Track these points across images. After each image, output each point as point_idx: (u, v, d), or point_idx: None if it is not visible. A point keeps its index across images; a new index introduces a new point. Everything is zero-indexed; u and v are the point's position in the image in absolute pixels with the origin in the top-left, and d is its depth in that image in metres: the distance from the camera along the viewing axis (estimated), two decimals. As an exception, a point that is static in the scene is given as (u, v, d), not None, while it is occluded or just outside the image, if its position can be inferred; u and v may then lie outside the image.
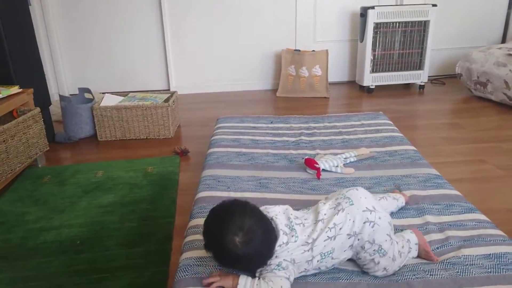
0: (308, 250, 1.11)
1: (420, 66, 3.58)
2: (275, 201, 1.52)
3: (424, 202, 1.45)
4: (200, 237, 1.27)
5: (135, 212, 1.85)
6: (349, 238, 1.13)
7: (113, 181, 2.14)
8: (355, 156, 1.84)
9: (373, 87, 3.60)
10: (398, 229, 1.28)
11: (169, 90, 3.75)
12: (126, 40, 3.64)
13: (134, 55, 3.69)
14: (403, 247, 1.17)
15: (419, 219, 1.36)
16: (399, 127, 2.23)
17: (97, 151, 2.62)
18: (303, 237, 1.12)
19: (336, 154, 1.85)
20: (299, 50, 3.60)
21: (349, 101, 3.47)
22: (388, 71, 3.58)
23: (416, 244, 1.19)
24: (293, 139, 2.08)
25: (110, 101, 2.80)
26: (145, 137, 2.76)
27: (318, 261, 1.13)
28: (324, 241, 1.12)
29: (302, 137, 2.08)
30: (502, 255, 1.14)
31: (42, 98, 2.58)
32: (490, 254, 1.15)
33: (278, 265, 1.10)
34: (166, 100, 2.82)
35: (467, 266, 1.11)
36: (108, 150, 2.61)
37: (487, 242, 1.20)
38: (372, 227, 1.12)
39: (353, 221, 1.12)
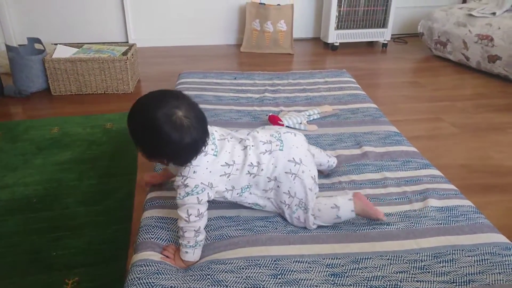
0: (226, 176, 1.09)
1: (384, 24, 3.59)
2: (239, 157, 1.51)
3: (383, 159, 1.49)
4: (162, 194, 1.26)
5: (95, 169, 1.79)
6: (268, 182, 1.14)
7: (70, 137, 2.05)
8: (318, 113, 1.84)
9: (338, 44, 3.58)
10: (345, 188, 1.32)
11: (127, 42, 3.57)
12: (79, -13, 3.38)
13: (88, 3, 3.43)
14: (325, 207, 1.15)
15: (378, 174, 1.40)
16: (361, 85, 2.26)
17: (51, 106, 2.48)
18: (224, 155, 1.09)
19: (299, 111, 1.85)
20: (264, 4, 3.49)
21: (313, 58, 3.45)
22: (353, 28, 3.56)
23: (352, 211, 1.15)
24: (257, 95, 2.05)
25: (63, 52, 2.63)
26: (103, 92, 2.63)
27: (237, 194, 1.14)
28: (245, 174, 1.11)
29: (266, 94, 2.06)
30: (453, 208, 1.21)
31: (-13, 48, 2.38)
32: (442, 207, 1.21)
33: (194, 189, 1.05)
34: (125, 53, 2.68)
35: (420, 218, 1.17)
36: (63, 105, 2.48)
37: (440, 195, 1.26)
38: (294, 179, 1.13)
39: (275, 167, 1.13)
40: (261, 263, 1.02)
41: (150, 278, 0.98)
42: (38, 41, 2.70)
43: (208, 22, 3.67)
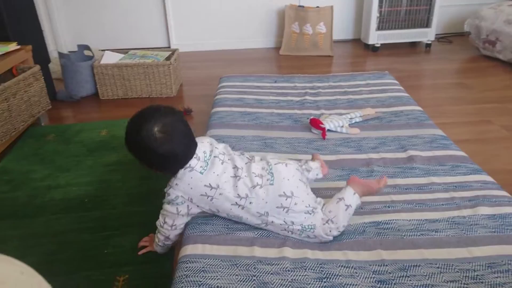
0: (208, 198, 1.12)
1: (427, 24, 3.48)
2: (281, 161, 1.52)
3: (430, 163, 1.45)
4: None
5: (141, 170, 1.85)
6: (259, 216, 1.13)
7: (118, 140, 2.14)
8: (360, 116, 1.83)
9: (379, 45, 3.52)
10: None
11: (169, 47, 3.67)
12: (125, -5, 3.52)
13: (133, 11, 3.57)
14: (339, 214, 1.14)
15: (424, 179, 1.37)
16: (404, 87, 2.21)
17: (99, 110, 2.60)
18: (211, 176, 1.11)
19: (341, 114, 1.84)
20: (303, 6, 3.49)
21: (353, 60, 3.40)
22: (394, 28, 3.48)
23: (354, 194, 1.17)
24: (297, 98, 2.06)
25: (110, 58, 2.74)
26: (148, 96, 2.73)
27: (226, 216, 1.17)
28: (231, 204, 1.12)
29: (307, 97, 2.06)
30: (507, 216, 1.16)
31: (41, 56, 2.53)
32: (494, 215, 1.17)
33: (174, 199, 1.13)
34: (168, 58, 2.76)
35: (471, 226, 1.13)
36: (110, 109, 2.59)
37: (492, 202, 1.22)
38: (286, 212, 1.12)
39: (266, 202, 1.12)
40: (306, 266, 1.02)
41: (197, 276, 1.01)
42: (87, 48, 2.84)
43: (248, 26, 3.71)
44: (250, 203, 1.11)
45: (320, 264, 1.03)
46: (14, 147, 2.10)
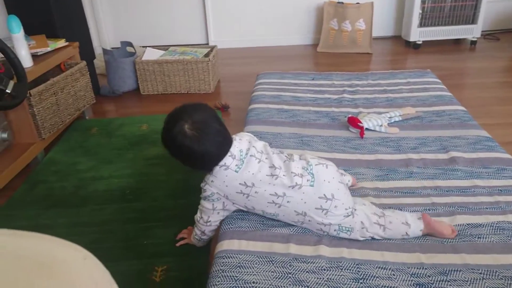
0: (244, 195, 1.12)
1: (473, 20, 3.35)
2: (318, 159, 1.52)
3: (473, 165, 1.40)
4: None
5: (179, 164, 1.90)
6: (296, 215, 1.12)
7: (157, 134, 2.18)
8: (400, 115, 1.79)
9: (420, 42, 3.42)
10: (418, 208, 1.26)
11: (207, 44, 3.72)
12: (166, -7, 3.60)
13: (174, 8, 3.65)
14: (390, 222, 1.11)
15: (467, 181, 1.33)
16: (447, 85, 2.14)
17: (140, 105, 2.68)
18: (245, 174, 1.10)
19: (380, 113, 1.81)
20: (342, 3, 3.44)
21: (393, 58, 3.32)
22: (438, 25, 3.37)
23: (420, 230, 1.11)
24: (335, 96, 2.04)
25: (151, 55, 2.82)
26: (186, 92, 2.78)
27: (261, 214, 1.17)
28: (268, 202, 1.12)
29: (345, 95, 2.04)
30: (556, 222, 1.11)
31: (87, 52, 2.63)
32: (542, 221, 1.12)
33: (210, 195, 1.16)
34: (206, 55, 2.81)
35: (517, 232, 1.09)
36: (151, 104, 2.67)
37: (540, 208, 1.17)
38: (325, 214, 1.10)
39: (304, 202, 1.10)
40: (343, 266, 1.02)
41: (233, 272, 1.03)
42: (130, 44, 2.93)
43: (285, 23, 3.70)
44: (288, 202, 1.11)
45: (356, 264, 1.02)
46: (61, 139, 2.21)
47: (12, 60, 1.61)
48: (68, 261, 0.33)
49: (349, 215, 1.12)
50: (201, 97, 2.72)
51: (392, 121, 1.76)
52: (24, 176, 1.89)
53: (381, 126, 1.70)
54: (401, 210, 1.20)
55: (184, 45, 3.13)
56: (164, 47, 2.97)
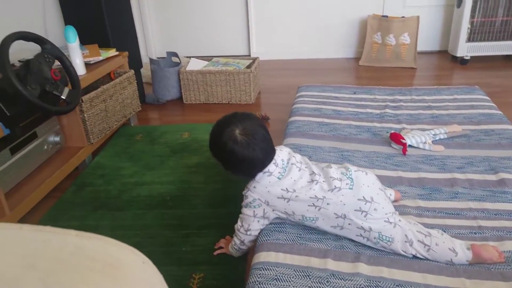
0: (285, 200, 1.15)
1: (526, 35, 3.21)
2: (358, 174, 1.50)
3: (525, 188, 1.34)
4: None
5: (219, 174, 1.94)
6: (336, 218, 1.12)
7: (198, 143, 2.26)
8: (445, 132, 1.73)
9: (468, 57, 3.31)
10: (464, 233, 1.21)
11: (249, 56, 3.78)
12: (211, 6, 3.69)
13: (218, 21, 3.74)
14: (436, 244, 1.08)
15: (517, 205, 1.27)
16: (497, 103, 2.06)
17: (182, 113, 2.76)
18: (287, 181, 1.15)
19: (424, 129, 1.76)
20: (387, 16, 3.40)
21: (439, 73, 3.23)
22: (487, 40, 3.25)
23: (467, 261, 1.06)
24: (377, 111, 2.01)
25: (195, 65, 2.90)
26: (227, 102, 2.83)
27: (300, 220, 1.17)
28: (308, 205, 1.13)
29: (387, 110, 2.00)
30: None
31: (135, 61, 2.75)
32: None
33: (251, 202, 1.18)
34: (248, 66, 2.85)
35: None
36: (192, 113, 2.74)
37: None
38: (365, 216, 1.10)
39: (344, 204, 1.11)
40: (382, 285, 1.00)
41: (269, 284, 1.03)
42: (175, 55, 3.03)
43: (327, 36, 3.70)
44: (328, 204, 1.12)
45: (396, 286, 1.00)
46: (107, 144, 2.31)
47: (68, 68, 1.71)
48: (130, 264, 0.35)
49: (391, 223, 1.10)
50: (242, 108, 2.76)
51: (437, 138, 1.71)
52: (72, 179, 1.98)
53: (425, 143, 1.66)
54: (444, 231, 1.16)
55: (227, 56, 3.20)
56: (208, 58, 3.05)
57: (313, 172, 1.18)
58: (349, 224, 1.12)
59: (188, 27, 3.79)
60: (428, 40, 3.61)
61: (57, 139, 1.96)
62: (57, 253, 0.34)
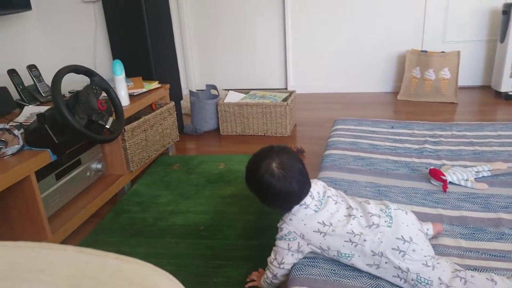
0: (321, 234, 1.13)
1: None
2: (395, 211, 1.46)
3: None
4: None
5: (253, 205, 1.94)
6: (373, 255, 1.08)
7: (233, 174, 2.28)
8: (489, 170, 1.67)
9: (513, 93, 3.20)
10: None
11: (286, 89, 3.84)
12: (250, 42, 3.82)
13: (257, 55, 3.85)
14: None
15: None
16: (546, 141, 1.96)
17: (219, 144, 2.81)
18: (324, 214, 1.15)
19: (466, 166, 1.70)
20: (426, 51, 3.37)
21: (481, 108, 3.14)
22: (533, 75, 3.14)
23: None
24: (416, 146, 1.97)
25: (233, 97, 2.97)
26: (263, 134, 2.87)
27: (334, 256, 1.13)
28: (345, 241, 1.10)
29: (426, 145, 1.96)
30: None
31: (176, 93, 2.86)
32: None
33: (286, 234, 1.17)
34: (285, 99, 2.89)
35: None
36: (229, 144, 2.79)
37: None
38: (402, 256, 1.05)
39: (381, 242, 1.09)
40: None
41: (302, 321, 1.01)
42: (214, 87, 3.12)
43: (365, 70, 3.71)
44: (365, 240, 1.09)
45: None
46: (146, 172, 2.38)
47: (113, 99, 1.80)
48: (165, 288, 0.36)
49: (429, 266, 1.06)
50: (277, 140, 2.78)
51: (480, 176, 1.65)
52: (111, 205, 2.05)
53: (466, 180, 1.60)
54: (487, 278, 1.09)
55: (264, 89, 3.27)
56: (246, 91, 3.12)
57: (350, 206, 1.17)
58: (385, 263, 1.08)
59: (227, 61, 3.92)
60: (469, 75, 3.54)
61: (99, 166, 2.05)
62: (98, 274, 0.35)
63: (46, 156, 1.59)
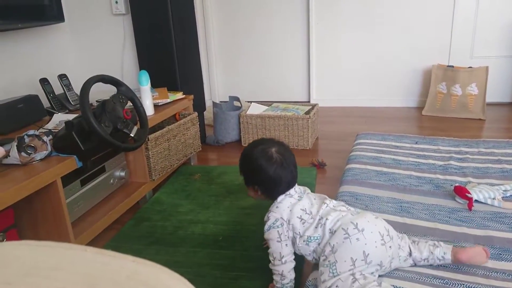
0: (301, 221, 1.23)
1: None
2: (417, 228, 1.43)
3: None
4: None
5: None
6: (329, 233, 1.18)
7: (253, 185, 2.28)
8: (517, 189, 1.61)
9: (544, 110, 3.10)
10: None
11: (309, 102, 3.84)
12: (273, 54, 3.85)
13: (280, 67, 3.88)
14: None
15: None
16: None
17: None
18: (306, 203, 1.26)
19: (493, 184, 1.66)
20: (453, 66, 3.32)
21: (510, 126, 3.05)
22: None
23: None
24: (440, 162, 1.93)
25: (255, 109, 2.99)
26: (284, 147, 2.86)
27: (304, 241, 1.21)
28: (314, 227, 1.21)
29: (452, 162, 1.91)
30: None
31: (199, 104, 2.90)
32: None
33: (274, 222, 1.24)
34: (307, 112, 2.89)
35: None
36: (250, 156, 2.79)
37: None
38: (344, 238, 1.11)
39: (337, 220, 1.18)
40: None
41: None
42: (237, 99, 3.15)
43: (389, 84, 3.67)
44: (327, 219, 1.22)
45: None
46: (167, 181, 2.41)
47: (139, 109, 1.85)
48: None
49: (355, 267, 1.09)
50: (299, 153, 2.77)
51: (508, 195, 1.60)
52: (132, 212, 2.08)
53: (493, 199, 1.55)
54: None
55: (287, 102, 3.28)
56: (268, 103, 3.14)
57: (325, 202, 1.27)
58: (329, 238, 1.18)
59: (251, 73, 3.96)
60: (498, 91, 3.45)
61: (122, 174, 2.09)
62: (114, 275, 0.36)
63: (72, 163, 1.64)
